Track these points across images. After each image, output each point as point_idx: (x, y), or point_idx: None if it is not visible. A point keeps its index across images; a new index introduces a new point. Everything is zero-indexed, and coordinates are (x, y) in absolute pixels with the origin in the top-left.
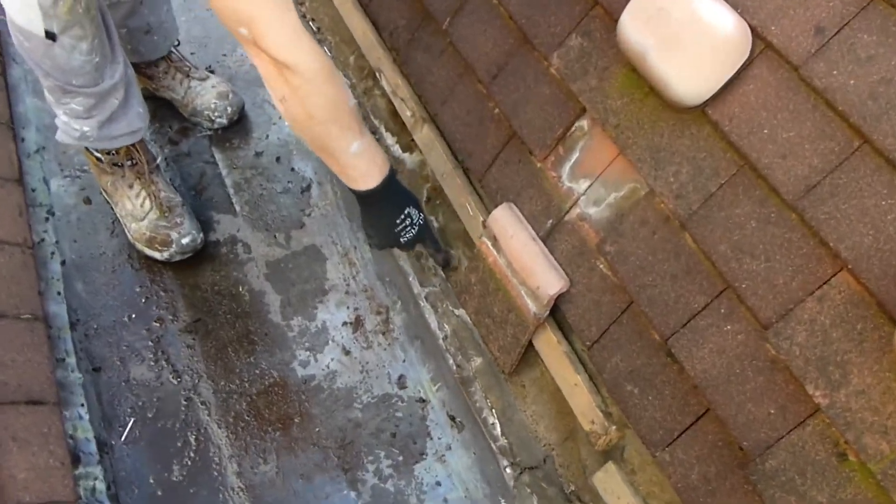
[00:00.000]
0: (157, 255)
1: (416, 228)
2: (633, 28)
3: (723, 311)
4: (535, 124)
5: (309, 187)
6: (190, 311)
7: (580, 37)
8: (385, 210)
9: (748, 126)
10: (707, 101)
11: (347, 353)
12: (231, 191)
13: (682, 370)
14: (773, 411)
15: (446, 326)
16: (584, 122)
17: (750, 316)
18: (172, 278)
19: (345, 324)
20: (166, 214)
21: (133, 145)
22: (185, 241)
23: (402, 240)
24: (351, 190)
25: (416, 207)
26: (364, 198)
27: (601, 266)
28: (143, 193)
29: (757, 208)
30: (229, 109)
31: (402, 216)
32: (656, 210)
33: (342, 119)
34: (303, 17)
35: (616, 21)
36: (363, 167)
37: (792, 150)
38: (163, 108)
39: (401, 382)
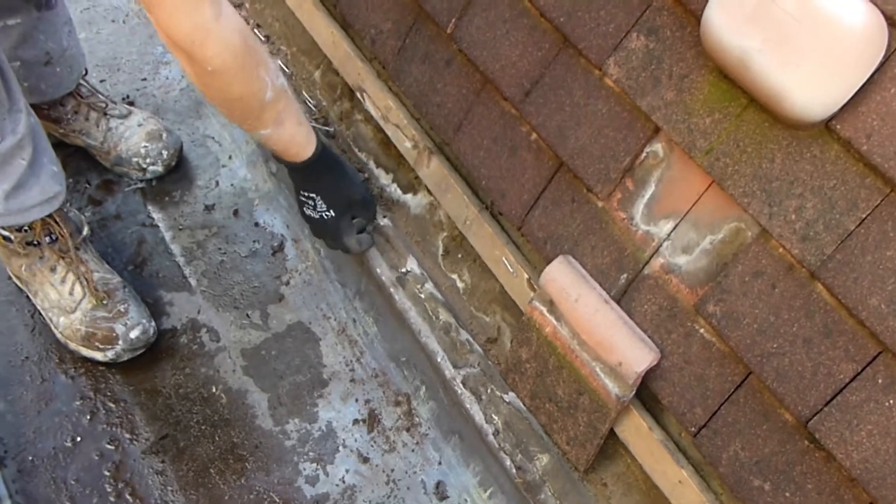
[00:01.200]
0: (98, 355)
1: (317, 215)
2: (728, 26)
3: (880, 381)
4: (592, 152)
5: (282, 246)
6: (152, 426)
7: (643, 36)
8: (294, 179)
9: (892, 143)
10: (834, 113)
11: (366, 459)
12: (181, 260)
13: (830, 458)
14: None
15: (495, 418)
16: (657, 147)
17: None
18: (123, 384)
19: (356, 422)
20: (104, 302)
21: (51, 216)
22: (133, 334)
23: (304, 210)
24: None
25: (328, 201)
26: (293, 172)
27: (702, 331)
28: (71, 277)
29: None
30: (164, 153)
31: (304, 194)
32: (774, 257)
33: (248, 112)
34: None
35: (694, 13)
36: (271, 148)
37: None
38: (75, 159)
39: (440, 491)
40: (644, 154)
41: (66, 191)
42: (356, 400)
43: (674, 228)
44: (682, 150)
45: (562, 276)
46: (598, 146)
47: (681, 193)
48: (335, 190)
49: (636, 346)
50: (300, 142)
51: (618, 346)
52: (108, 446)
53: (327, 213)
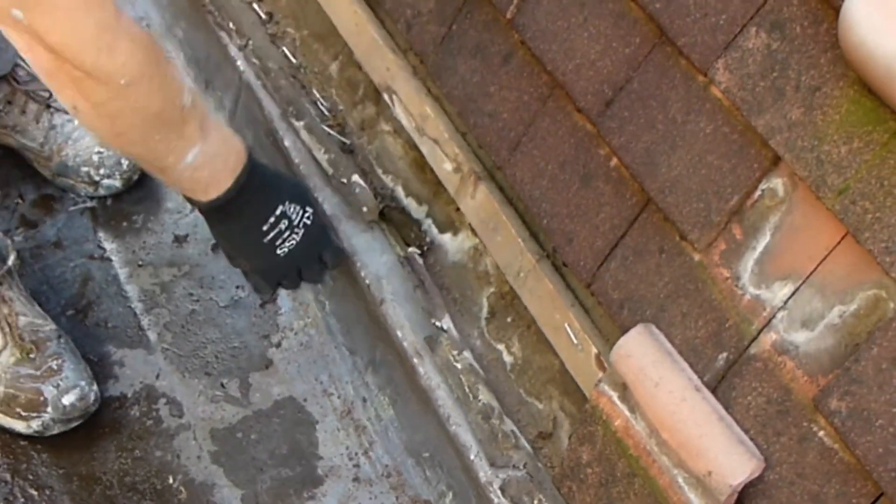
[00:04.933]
0: (19, 425)
1: (301, 231)
2: (874, 21)
3: None
4: (689, 187)
5: (274, 296)
6: None
7: (765, 32)
8: (245, 219)
9: None
10: None
11: None
12: (138, 306)
13: None
14: None
15: None
16: (776, 183)
17: None
18: (50, 465)
19: None
20: (31, 356)
21: None
22: (66, 399)
23: (279, 254)
24: (189, 201)
25: (296, 200)
26: (213, 212)
27: (821, 434)
28: None
29: None
30: (125, 163)
31: (272, 219)
32: None
33: (170, 130)
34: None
35: (833, 5)
36: (205, 177)
37: None
38: (5, 165)
39: None
40: (758, 192)
41: None
42: None
43: (792, 294)
44: (809, 189)
45: (641, 351)
46: (698, 179)
47: (804, 247)
48: (285, 182)
49: (733, 451)
50: (235, 145)
51: (708, 449)
52: None
53: (307, 215)
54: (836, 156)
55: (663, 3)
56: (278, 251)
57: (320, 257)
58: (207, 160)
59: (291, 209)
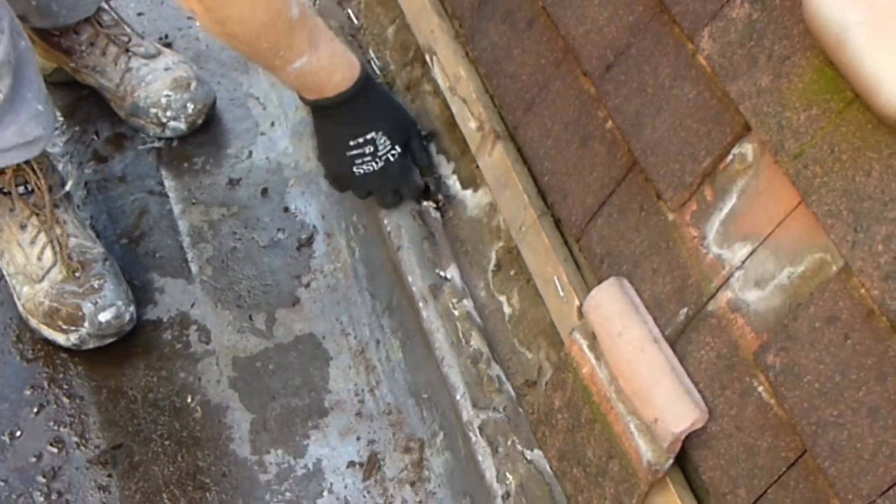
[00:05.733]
0: (59, 338)
1: (382, 163)
2: None
3: None
4: (668, 148)
5: (311, 240)
6: (107, 432)
7: (748, 3)
8: (338, 129)
9: None
10: None
11: None
12: (186, 240)
13: None
14: None
15: (510, 478)
16: (747, 148)
17: None
18: (84, 377)
19: (352, 465)
20: (76, 274)
21: (28, 163)
22: (103, 316)
23: (354, 171)
24: (302, 100)
25: (390, 134)
26: (317, 110)
27: (760, 389)
28: (42, 239)
29: None
30: (190, 107)
31: (360, 140)
32: (853, 299)
33: (277, 39)
34: None
35: None
36: (310, 83)
37: None
38: (86, 103)
39: None
40: (731, 157)
41: (52, 136)
42: (357, 438)
43: (750, 255)
44: (770, 154)
45: (609, 302)
46: (677, 141)
47: (765, 211)
48: (395, 116)
49: (679, 401)
50: (342, 63)
51: (657, 397)
52: (51, 448)
53: (393, 153)
54: (796, 122)
55: None
56: (355, 169)
57: (397, 189)
58: (314, 69)
59: (381, 140)
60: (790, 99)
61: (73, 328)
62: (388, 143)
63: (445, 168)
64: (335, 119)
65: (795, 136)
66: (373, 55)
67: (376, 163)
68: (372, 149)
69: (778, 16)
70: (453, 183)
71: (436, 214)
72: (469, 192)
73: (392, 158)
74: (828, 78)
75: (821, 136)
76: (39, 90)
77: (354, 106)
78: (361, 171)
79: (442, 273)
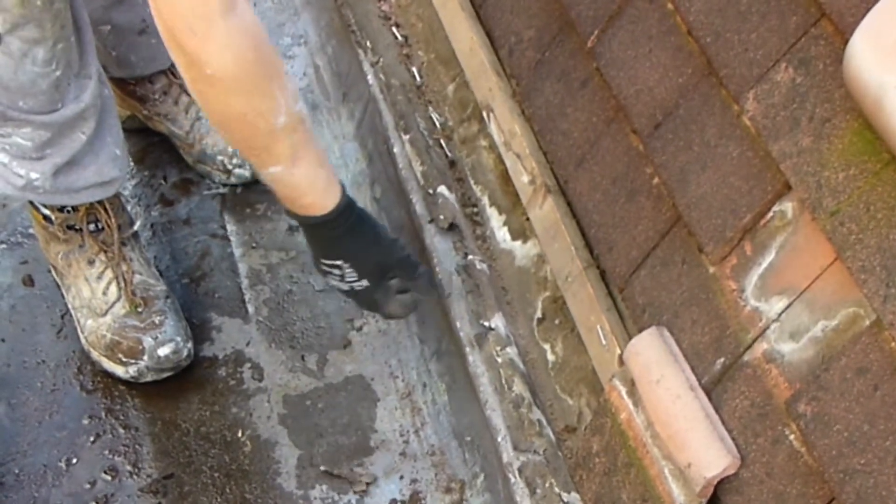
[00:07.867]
0: (119, 370)
1: (348, 287)
2: (869, 56)
3: None
4: (712, 204)
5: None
6: (159, 462)
7: (792, 67)
8: (309, 241)
9: None
10: None
11: None
12: (244, 282)
13: None
14: None
15: None
16: (787, 206)
17: None
18: (140, 409)
19: (394, 502)
20: (139, 309)
21: (101, 203)
22: (162, 351)
23: (329, 281)
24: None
25: (358, 269)
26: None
27: (791, 437)
28: (109, 275)
29: None
30: None
31: (328, 263)
32: (884, 351)
33: (255, 137)
34: (385, 19)
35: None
36: (282, 192)
37: None
38: (156, 149)
39: None
40: (771, 213)
41: (126, 178)
42: (401, 477)
43: (786, 308)
44: (809, 211)
45: (649, 351)
46: (720, 197)
47: (802, 266)
48: (365, 254)
49: (712, 447)
50: (318, 189)
51: (691, 442)
52: (105, 476)
53: (359, 284)
54: (834, 181)
55: (713, 38)
56: (329, 280)
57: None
58: (287, 183)
59: (348, 269)
60: (829, 159)
61: (133, 361)
62: (354, 274)
63: (496, 220)
64: (308, 234)
65: (833, 194)
66: (433, 111)
67: (343, 285)
68: (339, 273)
69: (820, 80)
70: (503, 235)
71: (482, 266)
72: (518, 242)
73: (357, 289)
74: (866, 140)
75: (857, 195)
76: (118, 135)
77: (320, 232)
78: (335, 285)
79: (486, 323)
